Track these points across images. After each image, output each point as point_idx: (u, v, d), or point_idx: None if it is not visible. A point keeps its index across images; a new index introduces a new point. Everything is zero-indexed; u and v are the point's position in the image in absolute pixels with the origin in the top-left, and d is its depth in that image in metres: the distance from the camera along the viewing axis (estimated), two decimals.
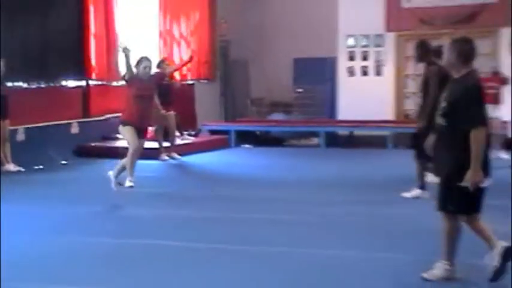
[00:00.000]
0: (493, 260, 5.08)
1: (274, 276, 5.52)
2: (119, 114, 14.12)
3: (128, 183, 8.58)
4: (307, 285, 5.30)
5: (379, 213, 8.01)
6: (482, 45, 15.40)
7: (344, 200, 8.87)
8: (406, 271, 5.58)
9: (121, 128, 8.83)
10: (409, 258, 5.94)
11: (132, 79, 8.68)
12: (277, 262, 5.95)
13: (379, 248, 6.35)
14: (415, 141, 8.75)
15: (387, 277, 5.47)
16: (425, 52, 8.92)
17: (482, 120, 5.00)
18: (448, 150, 5.11)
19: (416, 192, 8.72)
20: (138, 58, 8.91)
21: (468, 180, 4.94)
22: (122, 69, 8.94)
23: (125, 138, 8.87)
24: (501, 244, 5.12)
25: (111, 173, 8.75)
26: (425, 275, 5.26)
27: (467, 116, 4.97)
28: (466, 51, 5.15)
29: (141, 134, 8.73)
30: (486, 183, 5.07)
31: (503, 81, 12.43)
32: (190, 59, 12.80)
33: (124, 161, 8.66)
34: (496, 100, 11.98)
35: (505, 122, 13.07)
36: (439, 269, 5.25)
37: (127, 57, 8.70)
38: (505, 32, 15.17)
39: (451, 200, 5.10)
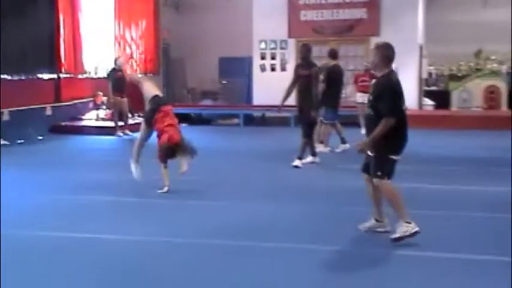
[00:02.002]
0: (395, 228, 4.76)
1: (190, 222, 5.44)
2: (84, 100, 14.16)
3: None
4: (222, 231, 5.21)
5: (281, 175, 8.11)
6: (357, 50, 15.99)
7: (254, 165, 8.97)
8: (300, 218, 5.59)
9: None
10: (303, 207, 6.00)
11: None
12: (190, 212, 5.90)
13: (282, 200, 6.40)
14: (301, 122, 8.95)
15: (289, 224, 5.44)
16: (307, 53, 8.85)
17: (391, 111, 4.64)
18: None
19: (310, 158, 8.90)
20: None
21: (356, 145, 4.72)
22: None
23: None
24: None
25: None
26: (360, 227, 4.98)
27: (382, 107, 4.65)
28: (387, 54, 4.74)
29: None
30: (398, 157, 4.76)
31: (373, 76, 12.80)
32: None
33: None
34: (366, 90, 12.36)
35: None
36: (370, 223, 4.98)
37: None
38: (373, 39, 15.66)
39: (377, 166, 4.74)
